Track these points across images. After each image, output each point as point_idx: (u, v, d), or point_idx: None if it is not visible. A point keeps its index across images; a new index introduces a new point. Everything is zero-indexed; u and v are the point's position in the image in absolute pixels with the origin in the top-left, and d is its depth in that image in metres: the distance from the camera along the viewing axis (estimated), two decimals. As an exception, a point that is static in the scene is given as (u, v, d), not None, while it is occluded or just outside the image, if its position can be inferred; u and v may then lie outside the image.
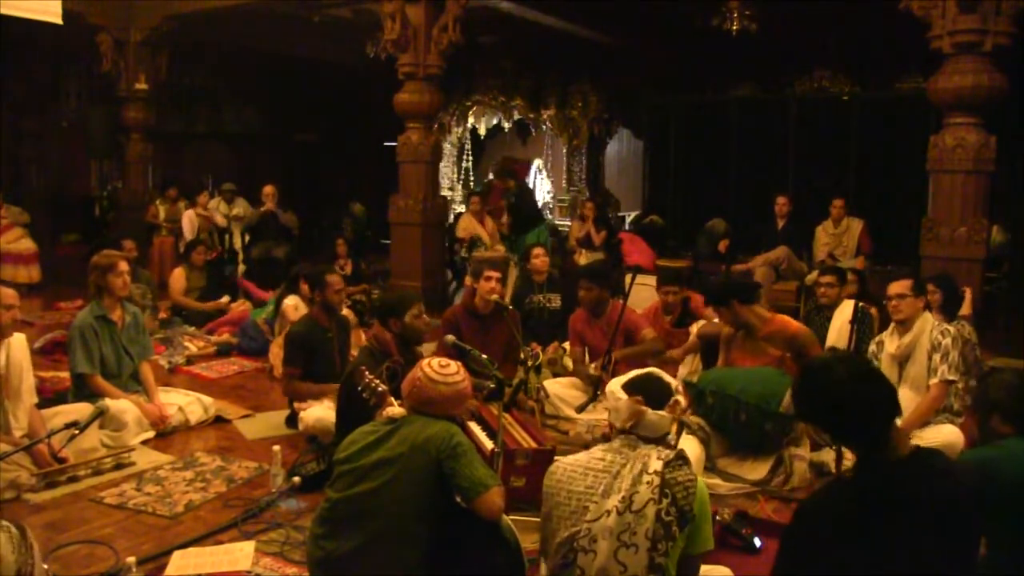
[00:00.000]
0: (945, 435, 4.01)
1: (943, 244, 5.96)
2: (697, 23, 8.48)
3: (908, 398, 4.06)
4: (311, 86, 13.25)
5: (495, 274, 4.98)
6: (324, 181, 13.86)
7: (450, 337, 4.07)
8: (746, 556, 3.23)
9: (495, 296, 4.93)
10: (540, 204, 12.38)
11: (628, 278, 5.56)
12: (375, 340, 4.07)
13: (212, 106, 13.35)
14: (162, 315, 7.31)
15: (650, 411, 2.40)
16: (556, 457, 2.71)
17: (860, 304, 4.51)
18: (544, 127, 12.51)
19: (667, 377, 2.54)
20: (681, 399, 2.51)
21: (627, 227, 11.61)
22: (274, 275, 7.72)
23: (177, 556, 3.13)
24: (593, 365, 5.01)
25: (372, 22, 8.82)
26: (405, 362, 3.79)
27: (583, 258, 8.54)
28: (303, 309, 5.89)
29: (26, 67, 11.04)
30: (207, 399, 4.92)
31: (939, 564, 1.79)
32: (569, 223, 11.31)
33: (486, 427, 3.88)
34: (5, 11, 7.20)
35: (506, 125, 12.83)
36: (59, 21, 7.49)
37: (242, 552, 3.17)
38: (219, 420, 4.87)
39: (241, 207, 10.15)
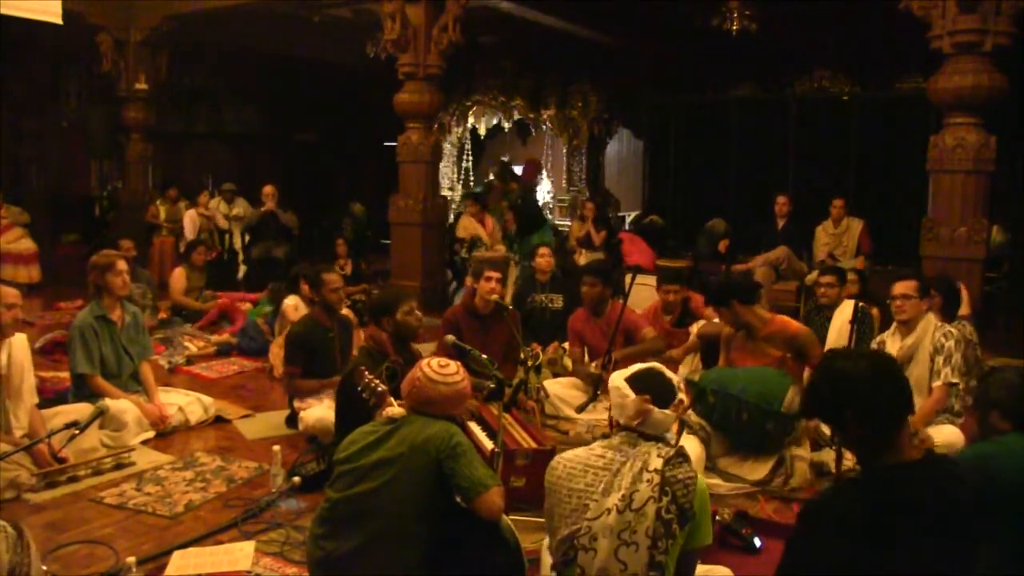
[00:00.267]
0: (945, 435, 4.01)
1: (943, 244, 5.96)
2: (697, 23, 8.48)
3: (910, 400, 4.05)
4: (311, 86, 13.25)
5: (495, 274, 4.98)
6: (324, 181, 13.86)
7: (450, 337, 4.07)
8: (746, 556, 3.23)
9: (495, 296, 4.94)
10: (540, 204, 12.39)
11: (628, 278, 5.56)
12: (371, 340, 4.08)
13: (212, 106, 13.35)
14: (162, 315, 7.31)
15: (656, 410, 2.40)
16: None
17: (860, 304, 4.51)
18: (544, 127, 12.51)
19: (669, 373, 2.54)
20: (684, 397, 2.52)
21: (627, 227, 11.61)
22: (274, 275, 7.72)
23: (177, 556, 3.13)
24: (594, 364, 5.01)
25: (372, 22, 8.82)
26: (404, 361, 3.80)
27: (583, 258, 8.54)
28: (303, 309, 5.89)
29: (26, 67, 11.04)
30: (207, 399, 4.91)
31: (941, 566, 1.79)
32: (569, 223, 11.31)
33: (486, 427, 3.88)
34: (5, 11, 7.20)
35: (506, 125, 12.82)
36: (59, 21, 7.50)
37: (242, 552, 3.17)
38: (219, 420, 4.87)
39: (241, 207, 10.15)
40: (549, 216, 12.61)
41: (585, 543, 2.28)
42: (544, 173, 13.98)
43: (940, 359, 4.10)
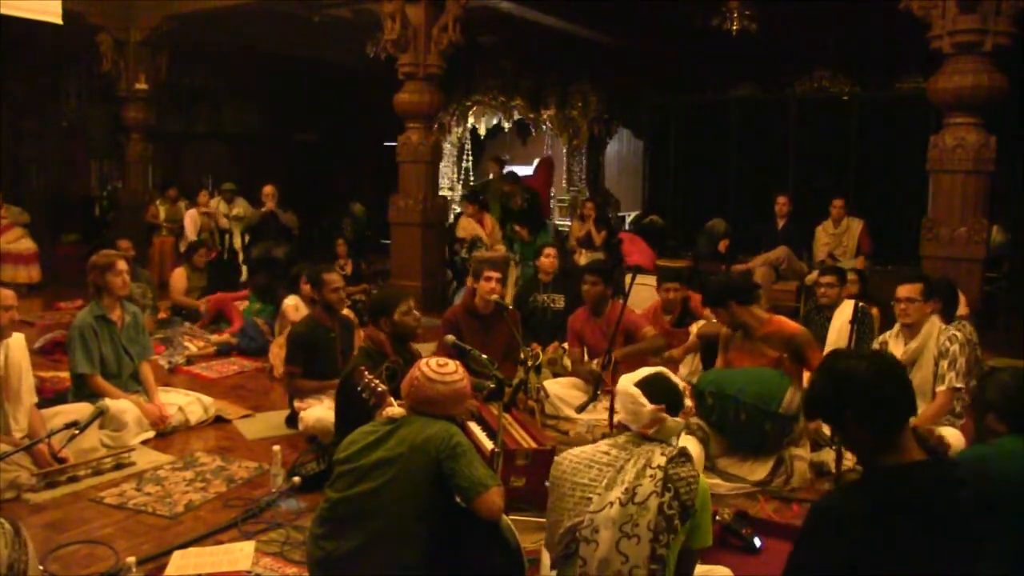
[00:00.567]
0: (946, 437, 4.00)
1: (943, 244, 5.95)
2: (697, 23, 8.48)
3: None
4: (311, 86, 13.25)
5: (495, 274, 4.98)
6: (324, 181, 13.85)
7: (450, 337, 4.07)
8: (746, 556, 3.23)
9: (495, 296, 4.93)
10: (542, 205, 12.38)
11: (628, 278, 5.56)
12: (370, 341, 4.08)
13: (212, 106, 13.34)
14: (162, 315, 7.32)
15: (670, 418, 2.46)
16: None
17: (860, 304, 4.51)
18: (544, 127, 12.50)
19: (675, 378, 2.59)
20: (690, 403, 2.55)
21: (627, 227, 11.61)
22: (274, 275, 7.72)
23: (177, 556, 3.13)
24: (595, 361, 5.01)
25: (372, 22, 8.81)
26: (404, 361, 3.80)
27: (583, 258, 8.55)
28: (303, 309, 5.89)
29: (26, 67, 11.03)
30: (207, 399, 4.92)
31: (942, 566, 1.80)
32: (568, 223, 11.32)
33: (486, 427, 3.88)
34: (5, 11, 7.20)
35: (506, 125, 12.81)
36: (59, 21, 7.50)
37: (242, 552, 3.17)
38: (219, 420, 4.88)
39: (241, 207, 10.15)
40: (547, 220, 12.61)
41: (587, 535, 2.32)
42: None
43: (945, 363, 4.09)
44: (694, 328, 5.43)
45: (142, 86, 10.38)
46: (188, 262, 7.83)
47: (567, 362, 5.47)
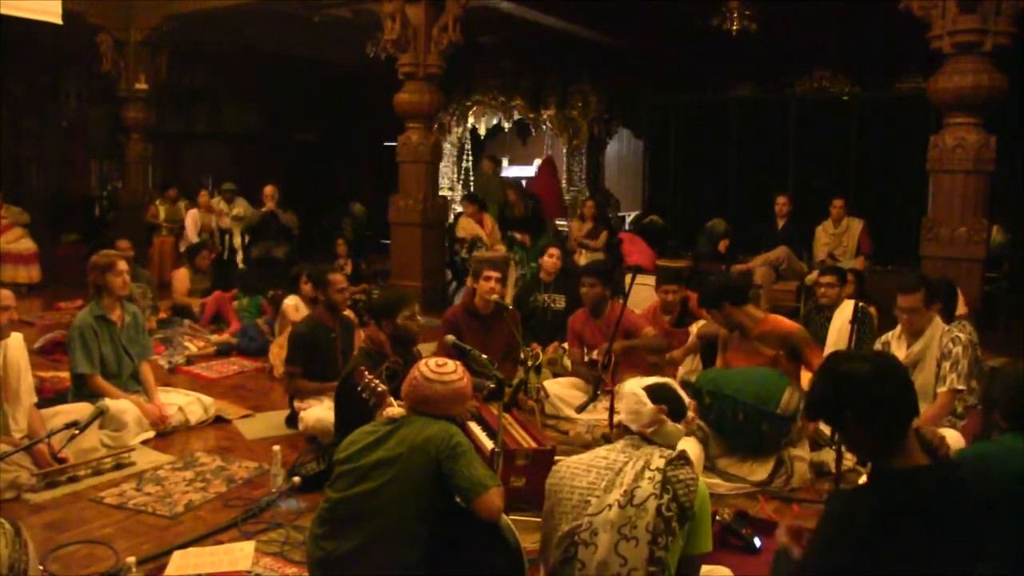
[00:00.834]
0: (947, 439, 4.00)
1: (943, 244, 5.95)
2: (697, 23, 8.48)
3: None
4: (311, 86, 13.25)
5: (495, 274, 4.98)
6: (324, 181, 13.85)
7: (450, 337, 4.07)
8: (746, 556, 3.23)
9: (495, 296, 4.93)
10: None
11: (628, 278, 5.56)
12: (370, 342, 4.08)
13: (212, 106, 13.34)
14: (162, 315, 7.32)
15: (670, 422, 2.48)
16: (559, 457, 2.72)
17: (860, 304, 4.50)
18: (544, 127, 12.50)
19: (682, 392, 2.62)
20: (692, 413, 2.57)
21: (627, 227, 11.61)
22: (274, 275, 7.72)
23: (177, 556, 3.13)
24: (596, 352, 4.98)
25: (372, 22, 8.81)
26: (404, 362, 3.80)
27: (583, 258, 8.55)
28: (304, 309, 5.90)
29: (26, 67, 11.03)
30: (207, 399, 4.92)
31: (943, 567, 1.80)
32: (567, 223, 11.31)
33: (486, 427, 3.88)
34: (5, 11, 7.20)
35: (506, 125, 12.81)
36: (59, 21, 7.49)
37: (242, 552, 3.17)
38: (219, 420, 4.88)
39: (241, 207, 10.15)
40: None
41: (586, 538, 2.31)
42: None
43: (947, 364, 4.08)
44: (694, 328, 5.43)
45: (142, 86, 10.38)
46: (191, 264, 7.83)
47: (567, 362, 5.47)
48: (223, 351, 6.57)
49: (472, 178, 13.13)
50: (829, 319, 5.40)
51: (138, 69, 10.36)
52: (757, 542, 3.29)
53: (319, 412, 4.37)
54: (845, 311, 5.03)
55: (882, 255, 8.21)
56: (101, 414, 4.10)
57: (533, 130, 13.19)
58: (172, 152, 12.56)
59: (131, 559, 2.92)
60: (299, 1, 9.13)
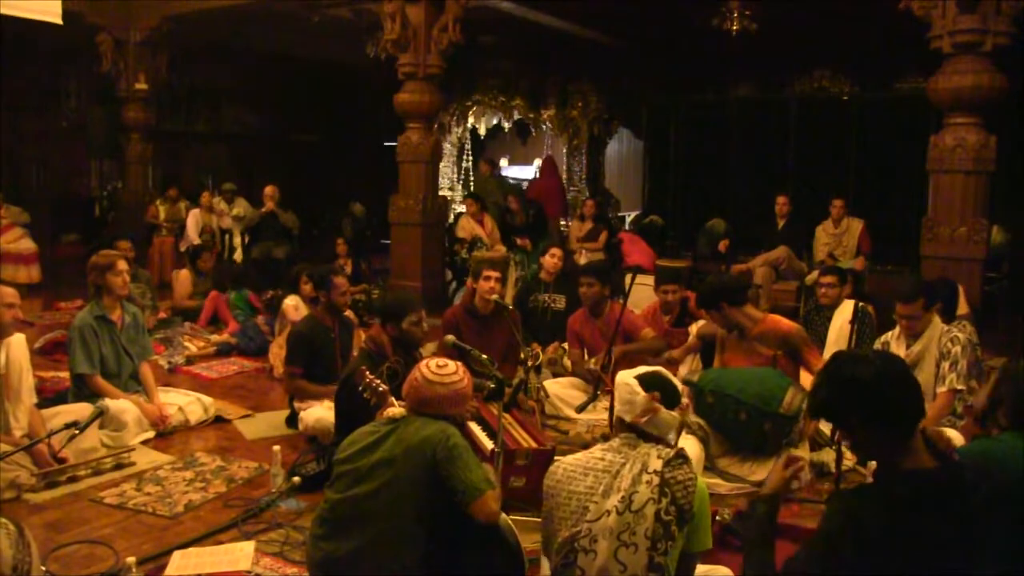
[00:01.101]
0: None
1: (943, 244, 5.95)
2: (697, 23, 8.48)
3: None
4: (311, 86, 13.25)
5: (495, 274, 4.98)
6: (324, 181, 13.86)
7: (450, 337, 4.07)
8: (746, 556, 3.22)
9: (495, 296, 4.93)
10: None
11: (628, 278, 5.56)
12: (371, 343, 4.07)
13: (212, 106, 13.35)
14: (161, 315, 7.32)
15: (664, 410, 2.43)
16: (556, 457, 2.72)
17: (860, 304, 4.51)
18: (544, 127, 12.50)
19: (675, 379, 2.58)
20: (686, 400, 2.54)
21: (627, 227, 11.61)
22: (274, 275, 7.71)
23: (177, 556, 3.13)
24: (594, 360, 5.00)
25: (372, 22, 8.81)
26: (405, 362, 3.79)
27: (583, 258, 8.56)
28: (303, 309, 5.90)
29: (26, 67, 11.04)
30: (207, 399, 4.92)
31: (943, 568, 1.80)
32: (567, 223, 11.32)
33: (486, 427, 3.88)
34: (5, 11, 7.20)
35: (506, 125, 12.82)
36: (59, 21, 7.49)
37: (242, 552, 3.17)
38: (219, 420, 4.87)
39: (241, 207, 10.16)
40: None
41: (585, 545, 2.29)
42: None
43: (946, 364, 4.09)
44: (694, 328, 5.43)
45: (142, 86, 10.39)
46: (193, 266, 7.83)
47: (567, 362, 5.46)
48: (223, 351, 6.58)
49: (472, 178, 13.14)
50: (829, 319, 5.40)
51: (138, 69, 10.36)
52: (757, 542, 3.28)
53: (319, 412, 4.37)
54: (845, 311, 5.04)
55: (882, 255, 8.21)
56: (101, 414, 4.10)
57: (533, 130, 13.20)
58: (172, 152, 12.56)
59: (131, 559, 2.91)
60: (299, 1, 9.13)
